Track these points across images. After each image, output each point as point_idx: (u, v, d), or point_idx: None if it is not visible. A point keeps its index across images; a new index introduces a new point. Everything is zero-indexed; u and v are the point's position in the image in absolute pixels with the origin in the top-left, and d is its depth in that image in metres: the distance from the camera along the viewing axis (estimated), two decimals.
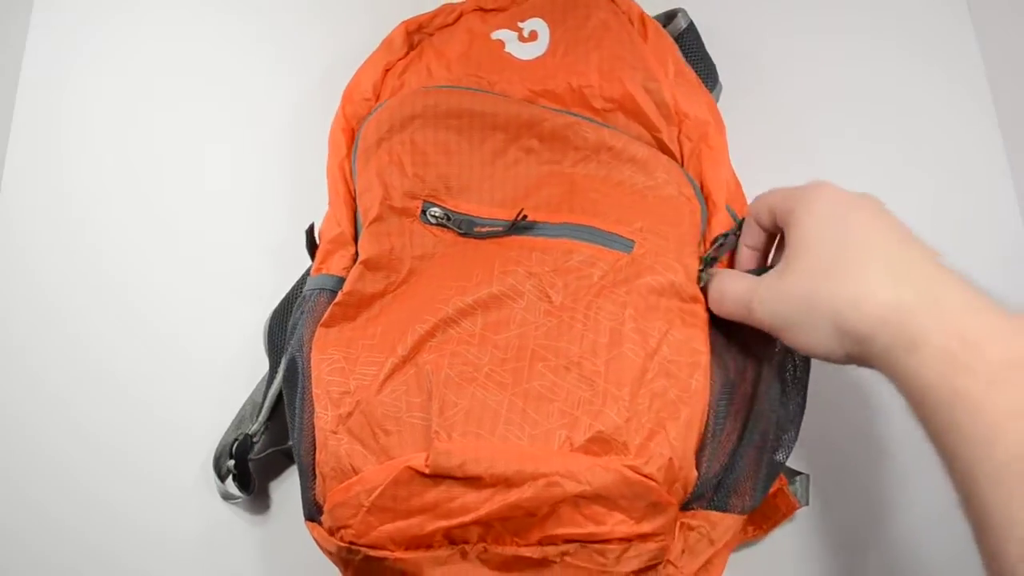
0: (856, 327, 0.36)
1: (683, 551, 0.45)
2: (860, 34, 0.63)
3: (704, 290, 0.46)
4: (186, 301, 0.58)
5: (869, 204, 0.40)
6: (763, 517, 0.50)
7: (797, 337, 0.39)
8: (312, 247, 0.52)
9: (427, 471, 0.39)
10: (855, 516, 0.52)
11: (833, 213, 0.39)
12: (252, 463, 0.51)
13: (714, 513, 0.45)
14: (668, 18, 0.57)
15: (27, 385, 0.56)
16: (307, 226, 0.51)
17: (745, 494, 0.46)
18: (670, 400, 0.42)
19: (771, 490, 0.48)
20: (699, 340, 0.44)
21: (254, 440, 0.51)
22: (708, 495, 0.45)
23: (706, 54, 0.57)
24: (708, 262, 0.47)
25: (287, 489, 0.54)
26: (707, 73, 0.57)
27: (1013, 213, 0.58)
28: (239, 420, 0.52)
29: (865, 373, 0.53)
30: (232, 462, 0.50)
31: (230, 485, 0.51)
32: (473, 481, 0.39)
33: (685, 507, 0.44)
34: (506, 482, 0.39)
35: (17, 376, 0.57)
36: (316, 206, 0.53)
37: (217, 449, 0.51)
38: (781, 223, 0.42)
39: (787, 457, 0.47)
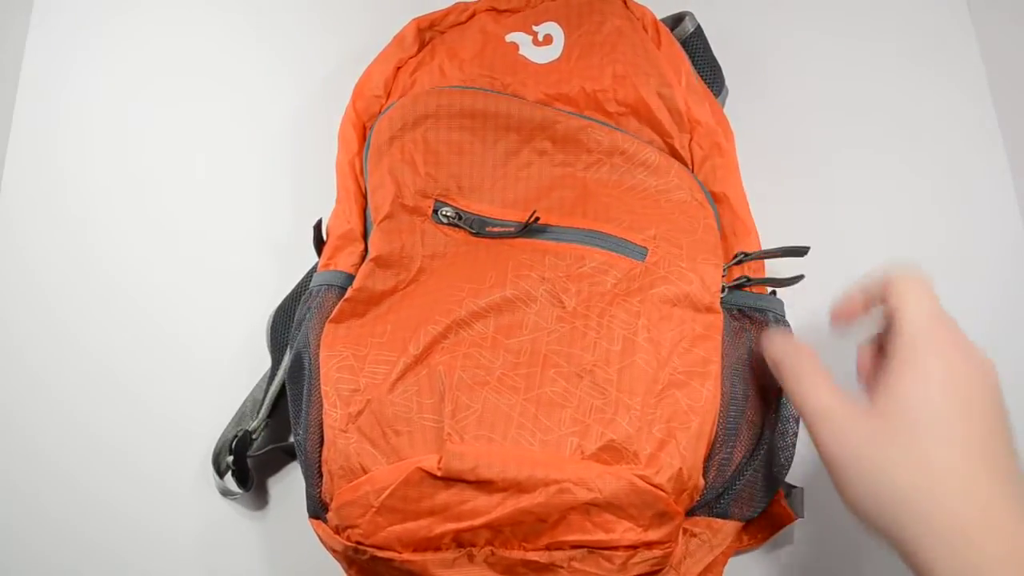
0: (905, 509, 0.35)
1: (685, 556, 0.46)
2: (863, 38, 0.64)
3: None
4: (187, 300, 0.57)
5: (986, 388, 0.37)
6: (760, 527, 0.51)
7: (838, 474, 0.38)
8: (320, 243, 0.51)
9: (439, 473, 0.39)
10: (847, 529, 0.52)
11: (944, 388, 0.37)
12: (251, 460, 0.51)
13: (716, 520, 0.46)
14: (675, 21, 0.57)
15: (27, 385, 0.56)
16: (315, 222, 0.51)
17: (746, 503, 0.47)
18: (681, 410, 0.42)
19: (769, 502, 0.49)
20: (711, 350, 0.45)
21: (253, 436, 0.51)
22: (712, 502, 0.46)
23: (713, 58, 0.57)
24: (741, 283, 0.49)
25: (287, 486, 0.53)
26: (713, 78, 0.57)
27: (1013, 213, 0.59)
28: (239, 417, 0.52)
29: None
30: (231, 458, 0.50)
31: (229, 481, 0.50)
32: (485, 485, 0.39)
33: (689, 514, 0.45)
34: (518, 487, 0.39)
35: (17, 376, 0.56)
36: (318, 204, 0.53)
37: (216, 445, 0.51)
38: (890, 347, 0.39)
39: (787, 470, 0.47)
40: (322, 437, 0.44)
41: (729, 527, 0.47)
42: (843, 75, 0.63)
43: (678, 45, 0.55)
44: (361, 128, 0.53)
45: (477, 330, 0.45)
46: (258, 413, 0.51)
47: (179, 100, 0.63)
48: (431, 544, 0.41)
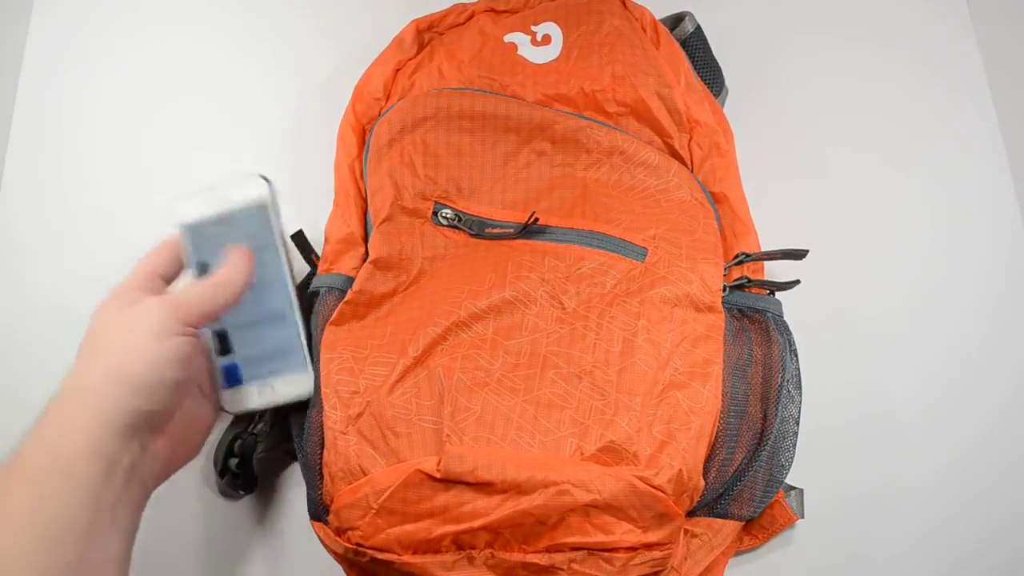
0: None
1: (685, 557, 0.46)
2: (863, 38, 0.64)
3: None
4: None
5: None
6: (760, 528, 0.50)
7: None
8: (303, 249, 0.51)
9: (439, 475, 0.39)
10: (847, 529, 0.53)
11: None
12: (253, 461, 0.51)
13: (717, 520, 0.46)
14: (675, 21, 0.57)
15: (27, 384, 0.55)
16: (295, 231, 0.51)
17: (746, 504, 0.46)
18: (682, 411, 0.42)
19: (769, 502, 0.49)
20: (713, 351, 0.45)
21: (257, 438, 0.50)
22: (712, 503, 0.46)
23: (713, 58, 0.57)
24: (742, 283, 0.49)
25: (288, 488, 0.53)
26: (713, 78, 0.57)
27: (1013, 213, 0.59)
28: (238, 418, 0.52)
29: (857, 388, 0.53)
30: (235, 460, 0.49)
31: (229, 483, 0.50)
32: (484, 487, 0.39)
33: (690, 514, 0.45)
34: (517, 489, 0.39)
35: (18, 375, 0.56)
36: (318, 205, 0.53)
37: (217, 446, 0.51)
38: None
39: (787, 471, 0.47)
40: (323, 439, 0.44)
41: (729, 527, 0.47)
42: (843, 75, 0.63)
43: (677, 45, 0.55)
44: (360, 131, 0.53)
45: (476, 332, 0.45)
46: (259, 414, 0.51)
47: (179, 101, 0.63)
48: (431, 546, 0.41)
